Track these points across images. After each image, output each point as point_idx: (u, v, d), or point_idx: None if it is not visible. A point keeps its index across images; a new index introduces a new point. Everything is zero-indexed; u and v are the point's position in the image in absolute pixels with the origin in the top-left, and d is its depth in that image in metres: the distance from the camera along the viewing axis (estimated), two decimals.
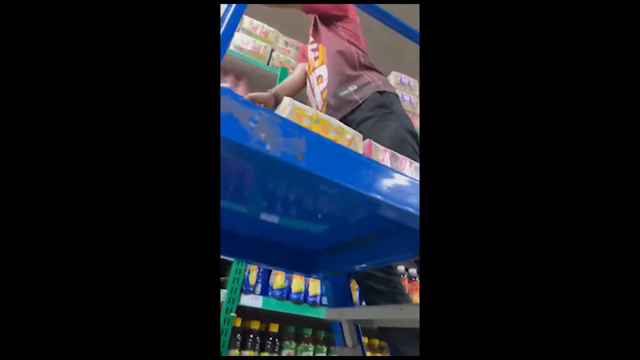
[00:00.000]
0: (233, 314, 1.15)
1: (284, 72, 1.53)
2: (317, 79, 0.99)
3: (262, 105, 0.98)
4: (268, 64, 1.60)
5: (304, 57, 1.14)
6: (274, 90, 1.08)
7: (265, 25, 1.71)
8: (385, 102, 0.91)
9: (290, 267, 0.73)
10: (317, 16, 1.07)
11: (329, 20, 1.04)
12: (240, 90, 1.51)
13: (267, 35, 1.68)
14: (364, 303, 1.01)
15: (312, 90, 1.00)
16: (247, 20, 1.70)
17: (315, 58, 1.02)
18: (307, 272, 0.75)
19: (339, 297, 0.75)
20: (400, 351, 0.80)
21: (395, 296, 0.85)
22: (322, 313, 1.18)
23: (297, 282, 1.33)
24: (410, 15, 2.64)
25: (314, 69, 1.00)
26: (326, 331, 1.45)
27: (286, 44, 1.74)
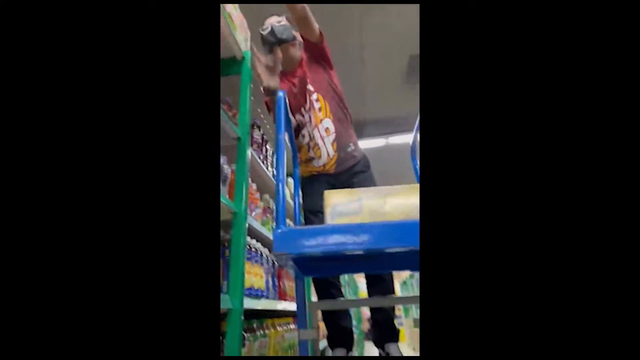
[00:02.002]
0: None
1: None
2: (326, 130, 1.13)
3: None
4: None
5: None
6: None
7: None
8: (368, 163, 1.22)
9: None
10: (309, 61, 1.16)
11: (324, 62, 1.17)
12: None
13: None
14: None
15: (322, 139, 1.13)
16: None
17: (319, 109, 1.14)
18: None
19: None
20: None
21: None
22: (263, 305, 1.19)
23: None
24: (411, 15, 2.62)
25: (321, 120, 1.13)
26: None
27: None
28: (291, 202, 1.53)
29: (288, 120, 0.96)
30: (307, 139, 1.12)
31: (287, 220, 0.90)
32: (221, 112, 0.91)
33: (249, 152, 1.09)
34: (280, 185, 0.79)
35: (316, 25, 1.10)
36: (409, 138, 4.42)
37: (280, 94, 0.79)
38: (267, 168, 1.37)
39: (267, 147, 1.43)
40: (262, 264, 1.14)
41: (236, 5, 1.23)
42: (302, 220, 1.11)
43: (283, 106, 0.81)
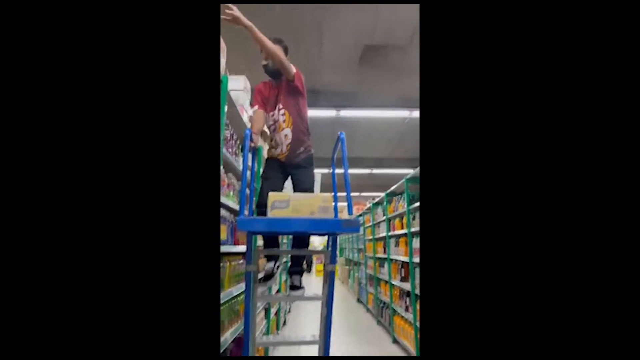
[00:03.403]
0: None
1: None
2: (285, 137, 1.74)
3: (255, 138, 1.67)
4: None
5: (261, 101, 1.76)
6: (257, 130, 1.70)
7: None
8: (312, 161, 1.79)
9: None
10: (285, 88, 1.71)
11: (296, 93, 1.72)
12: None
13: None
14: None
15: (281, 141, 1.74)
16: None
17: (284, 121, 1.74)
18: None
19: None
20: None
21: None
22: None
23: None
24: (392, 25, 2.96)
25: (283, 128, 1.74)
26: None
27: None
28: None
29: (255, 154, 1.59)
30: (274, 135, 1.75)
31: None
32: None
33: (223, 150, 1.62)
34: (244, 186, 1.37)
35: (292, 69, 1.66)
36: (357, 113, 5.00)
37: (247, 132, 1.34)
38: (232, 155, 1.89)
39: (234, 140, 1.94)
40: (224, 223, 1.74)
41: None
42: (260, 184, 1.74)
43: (249, 138, 1.37)
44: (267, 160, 1.80)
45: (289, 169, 1.73)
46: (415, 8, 2.89)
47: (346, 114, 5.09)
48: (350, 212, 1.47)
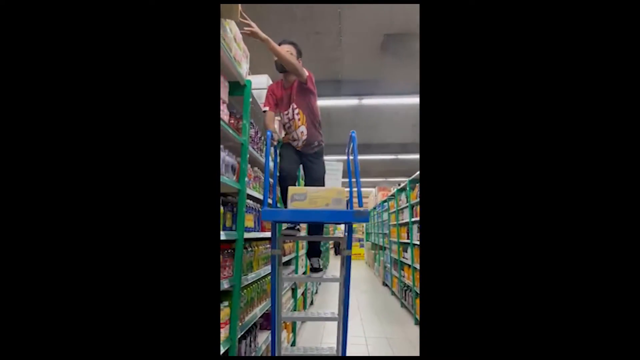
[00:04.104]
0: None
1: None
2: (301, 133, 1.92)
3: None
4: None
5: (272, 103, 1.93)
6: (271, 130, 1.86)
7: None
8: (322, 152, 2.00)
9: None
10: (298, 88, 1.86)
11: (307, 93, 1.87)
12: None
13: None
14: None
15: (298, 137, 1.92)
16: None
17: (298, 119, 1.91)
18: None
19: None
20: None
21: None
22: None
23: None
24: (410, 14, 2.98)
25: (299, 126, 1.92)
26: None
27: None
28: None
29: (276, 150, 1.85)
30: (290, 132, 1.94)
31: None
32: (228, 128, 1.59)
33: (249, 149, 1.80)
34: (267, 182, 1.55)
35: (304, 73, 1.82)
36: (378, 101, 5.00)
37: (268, 134, 1.52)
38: (257, 151, 2.08)
39: (258, 137, 2.12)
40: (251, 213, 1.95)
41: (240, 42, 1.79)
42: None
43: (269, 138, 1.54)
44: (284, 144, 1.99)
45: (303, 157, 1.95)
46: None
47: (368, 102, 5.11)
48: (360, 205, 1.61)
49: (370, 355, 2.97)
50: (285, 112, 1.92)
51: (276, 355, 1.69)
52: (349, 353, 1.78)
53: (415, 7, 2.99)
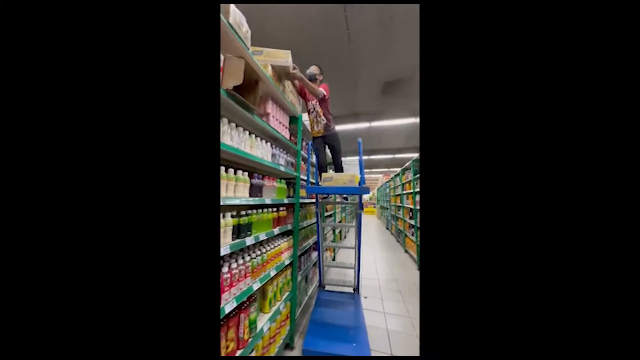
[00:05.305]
0: None
1: None
2: (322, 121, 1.92)
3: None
4: None
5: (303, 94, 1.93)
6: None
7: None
8: (337, 134, 1.96)
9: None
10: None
11: (323, 100, 1.98)
12: None
13: None
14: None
15: (319, 124, 1.93)
16: None
17: (319, 110, 1.93)
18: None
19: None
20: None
21: None
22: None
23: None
24: (402, 67, 3.10)
25: (320, 115, 1.92)
26: None
27: None
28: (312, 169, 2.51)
29: (309, 150, 1.95)
30: (315, 118, 2.03)
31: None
32: (289, 142, 1.81)
33: (300, 154, 2.02)
34: (308, 172, 1.77)
35: (321, 92, 1.90)
36: (382, 123, 5.33)
37: (309, 145, 1.73)
38: (304, 152, 2.28)
39: (305, 143, 2.31)
40: (303, 188, 2.19)
41: (293, 91, 1.96)
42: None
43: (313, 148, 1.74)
44: (313, 138, 2.01)
45: (326, 139, 1.98)
46: (413, 51, 2.76)
47: (375, 124, 5.33)
48: (363, 183, 1.77)
49: (377, 275, 2.85)
50: (311, 101, 1.96)
51: (322, 266, 1.97)
52: (363, 266, 2.01)
53: (406, 60, 3.05)
